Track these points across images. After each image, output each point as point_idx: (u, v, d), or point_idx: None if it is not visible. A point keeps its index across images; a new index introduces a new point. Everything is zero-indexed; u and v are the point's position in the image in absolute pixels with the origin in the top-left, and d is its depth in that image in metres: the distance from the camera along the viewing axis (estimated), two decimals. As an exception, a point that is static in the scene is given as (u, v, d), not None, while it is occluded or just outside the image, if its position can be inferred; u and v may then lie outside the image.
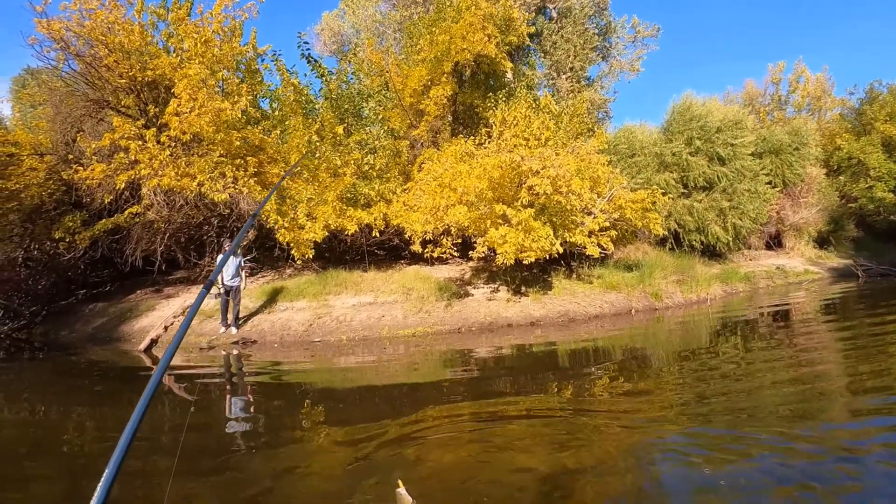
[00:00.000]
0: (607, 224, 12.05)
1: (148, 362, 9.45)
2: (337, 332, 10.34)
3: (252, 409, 6.41)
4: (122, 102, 13.26)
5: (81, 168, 12.21)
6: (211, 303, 11.78)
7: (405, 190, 12.02)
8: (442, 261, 13.00)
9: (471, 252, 10.60)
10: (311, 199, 11.15)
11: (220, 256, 10.43)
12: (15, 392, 7.96)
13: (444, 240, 10.40)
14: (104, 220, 13.10)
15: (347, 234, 11.42)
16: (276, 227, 10.84)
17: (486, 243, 10.54)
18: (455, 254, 10.73)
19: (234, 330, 10.48)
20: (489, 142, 12.22)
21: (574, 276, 13.16)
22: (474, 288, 11.89)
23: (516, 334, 10.49)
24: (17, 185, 13.03)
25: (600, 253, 12.40)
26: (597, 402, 5.83)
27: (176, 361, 9.37)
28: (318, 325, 10.52)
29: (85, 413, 6.56)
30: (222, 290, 10.54)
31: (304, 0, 65.90)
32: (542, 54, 21.41)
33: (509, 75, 16.57)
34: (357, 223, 11.08)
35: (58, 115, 14.12)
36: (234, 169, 10.98)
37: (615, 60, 24.00)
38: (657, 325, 11.63)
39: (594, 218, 12.26)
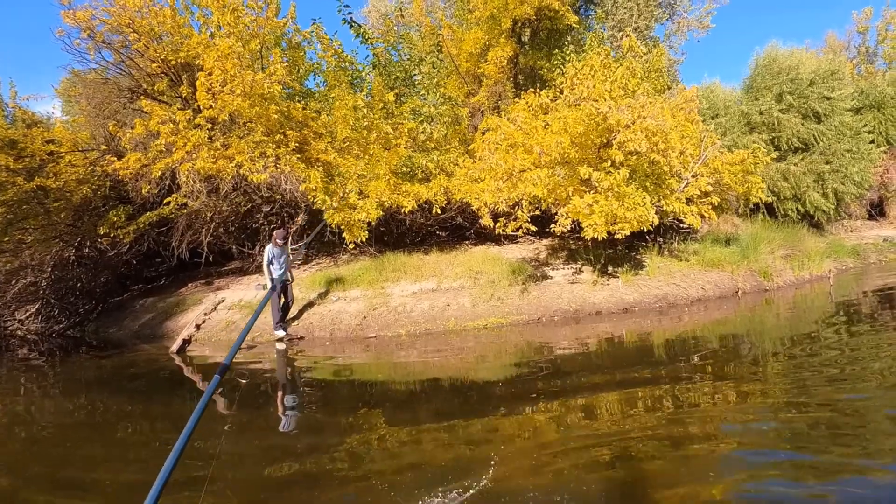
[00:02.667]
0: (709, 188, 9.79)
1: (178, 366, 8.00)
2: (395, 326, 8.57)
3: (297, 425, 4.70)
4: (157, 88, 12.03)
5: (116, 160, 10.99)
6: (259, 295, 10.30)
7: (467, 159, 10.12)
8: (512, 239, 11.05)
9: (551, 226, 8.58)
10: (362, 175, 9.43)
11: (266, 250, 8.79)
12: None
13: (520, 212, 8.40)
14: (148, 213, 11.89)
15: (405, 213, 9.62)
16: (324, 208, 9.18)
17: (570, 215, 8.51)
18: (531, 229, 8.72)
19: (280, 332, 8.83)
20: (562, 97, 10.10)
21: (666, 252, 10.93)
22: (553, 269, 9.88)
23: (607, 323, 8.47)
24: (58, 183, 12.00)
25: (698, 225, 10.18)
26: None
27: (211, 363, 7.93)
28: (374, 318, 8.79)
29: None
30: (271, 286, 8.88)
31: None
32: (604, 15, 19.02)
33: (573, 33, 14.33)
34: (415, 199, 9.24)
35: (94, 107, 13.08)
36: (275, 146, 9.38)
37: (682, 18, 21.18)
38: (770, 310, 9.38)
39: (693, 181, 10.02)
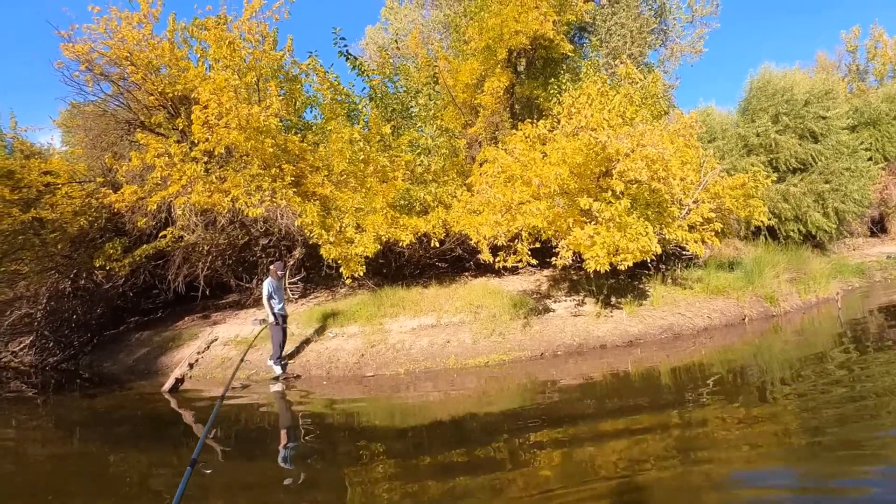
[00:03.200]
0: (711, 214, 9.59)
1: (169, 407, 7.71)
2: (393, 364, 8.29)
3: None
4: (154, 120, 11.95)
5: (111, 192, 10.82)
6: (255, 330, 10.04)
7: (463, 194, 9.93)
8: (513, 271, 10.81)
9: (553, 259, 8.35)
10: (359, 208, 9.23)
11: (264, 284, 8.56)
12: None
13: (520, 245, 8.16)
14: (144, 246, 11.70)
15: (403, 246, 9.40)
16: (320, 243, 8.95)
17: (571, 247, 8.29)
18: (531, 262, 8.48)
19: (278, 369, 8.54)
20: (559, 127, 9.94)
21: (669, 280, 10.69)
22: (555, 301, 9.64)
23: (612, 357, 8.24)
24: (54, 215, 11.81)
25: (701, 252, 9.97)
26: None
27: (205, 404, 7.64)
28: (372, 356, 8.51)
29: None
30: (273, 320, 8.62)
31: (344, 19, 64.97)
32: (598, 43, 18.99)
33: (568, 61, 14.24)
34: (413, 232, 9.02)
35: (91, 139, 12.99)
36: (271, 180, 9.20)
37: (675, 44, 21.16)
38: (778, 336, 9.23)
39: (695, 207, 9.83)
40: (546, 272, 10.87)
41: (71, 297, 13.62)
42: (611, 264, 8.27)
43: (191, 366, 8.93)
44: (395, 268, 10.56)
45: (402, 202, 9.76)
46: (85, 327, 13.83)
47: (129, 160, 10.71)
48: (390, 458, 4.58)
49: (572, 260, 8.24)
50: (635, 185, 9.19)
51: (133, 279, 12.98)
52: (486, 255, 8.29)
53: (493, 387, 7.35)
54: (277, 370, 8.45)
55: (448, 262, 11.26)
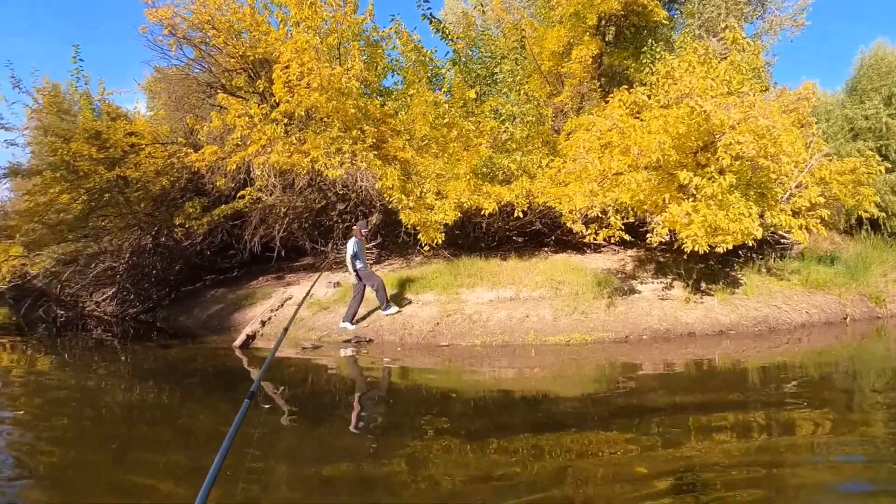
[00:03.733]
0: (820, 199, 8.66)
1: (238, 364, 7.67)
2: (469, 335, 7.94)
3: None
4: (234, 83, 11.98)
5: (193, 152, 10.92)
6: (329, 293, 9.94)
7: (550, 164, 9.37)
8: (595, 248, 10.21)
9: (647, 236, 7.71)
10: (440, 174, 8.86)
11: (349, 243, 8.53)
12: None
13: (612, 218, 7.55)
14: (223, 206, 11.87)
15: (484, 216, 8.98)
16: (399, 208, 8.66)
17: (666, 224, 7.63)
18: (624, 238, 7.85)
19: (350, 327, 8.48)
20: (653, 96, 9.17)
21: (764, 270, 9.81)
22: (641, 283, 8.99)
23: (699, 346, 7.59)
24: (137, 174, 12.12)
25: (805, 241, 9.05)
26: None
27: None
28: (447, 325, 8.19)
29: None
30: (356, 280, 8.56)
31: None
32: (692, 13, 17.71)
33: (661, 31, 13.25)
34: (496, 201, 8.58)
35: (174, 102, 13.21)
36: (352, 142, 8.95)
37: (774, 16, 19.48)
38: (882, 340, 8.42)
39: (797, 192, 8.92)
40: (630, 252, 10.21)
41: (151, 253, 14.09)
42: (709, 245, 7.56)
43: (263, 323, 8.90)
44: (471, 239, 10.17)
45: (485, 170, 9.32)
46: (163, 282, 14.30)
47: (210, 121, 10.76)
48: (458, 435, 4.24)
49: (668, 238, 7.57)
50: (738, 162, 8.39)
51: (210, 238, 13.24)
52: (577, 227, 7.70)
53: (572, 368, 6.89)
54: (349, 327, 8.36)
55: (527, 235, 10.76)
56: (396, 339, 8.19)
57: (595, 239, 7.64)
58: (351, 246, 8.38)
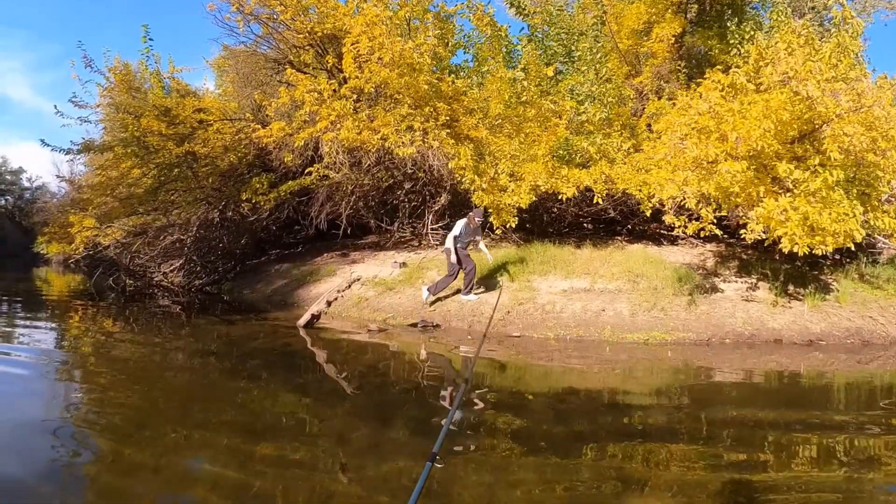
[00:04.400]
0: (935, 200, 7.72)
1: (303, 344, 7.39)
2: (542, 326, 7.50)
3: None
4: (302, 59, 11.78)
5: (260, 127, 10.79)
6: (395, 273, 9.67)
7: (635, 147, 8.73)
8: (672, 241, 9.57)
9: (741, 232, 7.00)
10: (514, 155, 8.39)
11: (457, 224, 8.23)
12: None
13: (704, 210, 6.88)
14: (290, 182, 11.79)
15: (560, 201, 8.45)
16: (472, 189, 8.25)
17: (760, 220, 6.92)
18: (716, 233, 7.15)
19: (472, 297, 8.25)
20: (745, 80, 8.32)
21: (855, 275, 8.90)
22: (723, 281, 8.31)
23: (785, 355, 6.91)
24: (206, 150, 12.14)
25: None
26: None
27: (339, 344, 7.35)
28: (519, 314, 7.78)
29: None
30: (454, 260, 8.18)
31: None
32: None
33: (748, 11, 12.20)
34: (575, 185, 8.05)
35: (241, 78, 13.16)
36: (423, 120, 8.57)
37: (868, -5, 17.78)
38: None
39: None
40: (710, 246, 9.50)
41: (218, 226, 14.24)
42: (808, 247, 6.80)
43: (329, 303, 8.70)
44: (543, 224, 9.67)
45: (561, 153, 8.77)
46: (229, 255, 14.45)
47: (278, 97, 10.57)
48: (529, 442, 3.83)
49: (761, 235, 6.85)
50: (843, 155, 7.53)
51: (277, 214, 13.25)
52: (670, 219, 7.06)
53: (652, 370, 6.38)
54: (473, 298, 8.22)
55: (600, 223, 10.16)
56: (465, 326, 7.84)
57: (684, 232, 7.00)
58: (457, 227, 8.08)
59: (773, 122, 6.77)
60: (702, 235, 7.07)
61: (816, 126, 7.50)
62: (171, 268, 15.09)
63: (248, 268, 14.36)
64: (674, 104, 8.53)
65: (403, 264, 9.74)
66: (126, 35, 51.43)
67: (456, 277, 8.24)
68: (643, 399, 5.23)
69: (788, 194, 7.13)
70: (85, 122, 13.58)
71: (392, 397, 5.10)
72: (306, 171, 10.85)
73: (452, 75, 11.00)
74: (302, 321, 8.00)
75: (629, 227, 9.76)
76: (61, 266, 24.95)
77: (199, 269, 14.64)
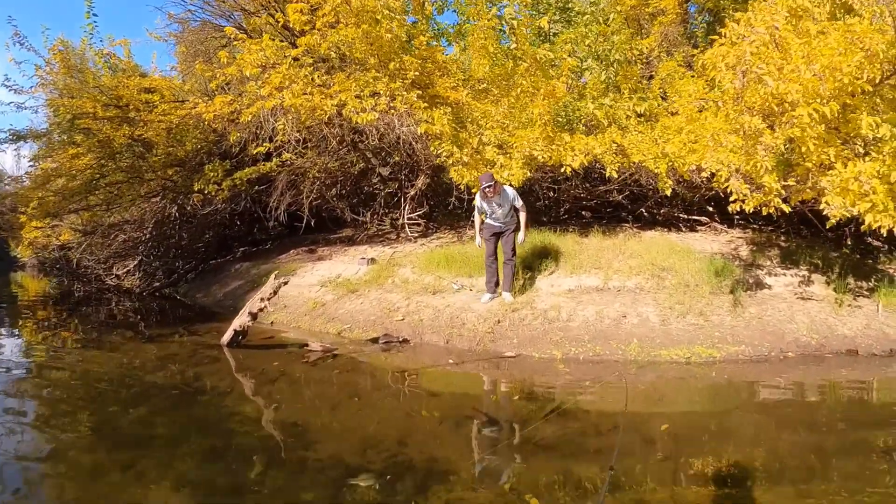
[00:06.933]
0: None
1: (224, 369, 5.09)
2: (544, 341, 5.21)
3: None
4: (252, 24, 9.39)
5: (201, 103, 8.43)
6: (360, 271, 7.41)
7: (646, 112, 6.52)
8: (691, 227, 7.39)
9: (824, 209, 4.78)
10: (503, 123, 6.16)
11: (476, 200, 5.86)
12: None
13: (767, 177, 4.60)
14: (247, 169, 9.46)
15: (563, 176, 6.22)
16: (449, 163, 6.01)
17: (837, 190, 4.73)
18: (783, 209, 4.87)
19: (508, 297, 5.81)
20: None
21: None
22: (768, 274, 6.10)
23: (865, 371, 4.77)
24: (152, 133, 9.76)
25: None
26: None
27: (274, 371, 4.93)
28: (512, 324, 5.50)
29: None
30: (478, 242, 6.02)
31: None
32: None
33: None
34: (584, 155, 5.79)
35: (190, 52, 10.77)
36: (389, 79, 6.30)
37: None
38: None
39: None
40: (736, 231, 7.33)
41: (176, 222, 11.93)
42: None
43: (254, 315, 6.11)
44: (536, 212, 7.36)
45: (560, 119, 6.53)
46: (191, 254, 12.13)
47: (225, 67, 8.18)
48: None
49: (849, 213, 4.64)
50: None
51: (233, 206, 10.91)
52: (733, 185, 4.65)
53: (707, 410, 4.15)
54: (510, 299, 5.79)
55: (604, 208, 7.87)
56: (441, 341, 5.56)
57: (742, 208, 4.75)
58: (477, 200, 5.75)
59: (863, 53, 4.56)
60: (764, 213, 4.84)
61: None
62: (126, 269, 12.76)
63: (210, 267, 12.02)
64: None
65: (372, 260, 7.47)
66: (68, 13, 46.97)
67: (494, 256, 5.88)
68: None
69: (867, 158, 4.96)
70: (20, 108, 11.06)
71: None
72: (255, 150, 8.51)
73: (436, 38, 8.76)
74: (225, 339, 5.65)
75: (638, 212, 7.51)
76: (35, 270, 22.28)
77: (156, 269, 12.31)
